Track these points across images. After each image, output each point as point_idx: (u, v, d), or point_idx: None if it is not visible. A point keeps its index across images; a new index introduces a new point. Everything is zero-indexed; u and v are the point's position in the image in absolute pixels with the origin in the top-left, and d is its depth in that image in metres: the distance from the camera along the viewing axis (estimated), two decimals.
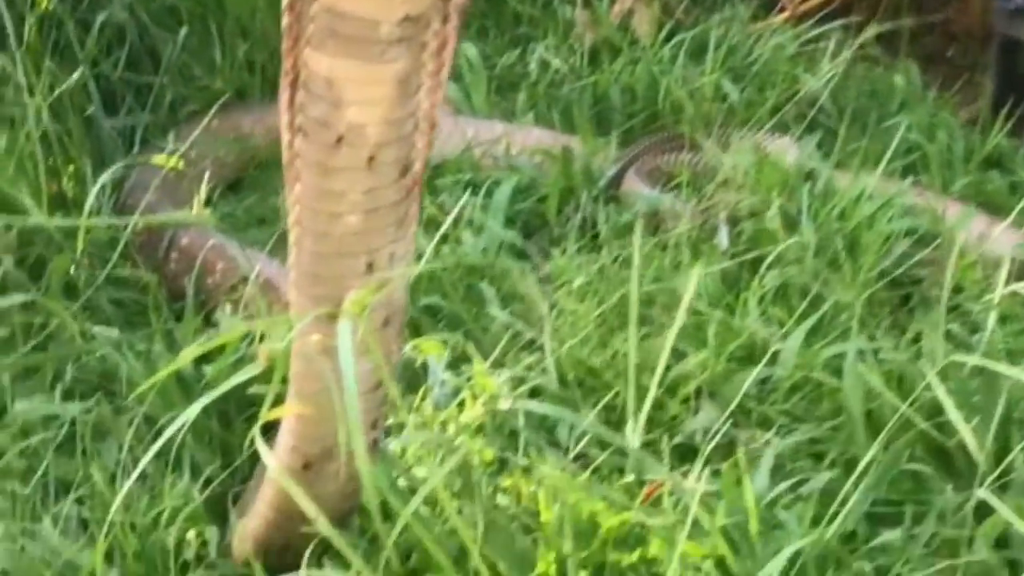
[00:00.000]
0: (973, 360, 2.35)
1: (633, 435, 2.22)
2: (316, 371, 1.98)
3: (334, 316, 1.92)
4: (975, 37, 4.38)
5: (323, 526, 1.79)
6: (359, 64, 1.87)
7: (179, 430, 2.01)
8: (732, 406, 2.45)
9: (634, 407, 2.32)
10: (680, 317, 2.34)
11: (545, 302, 2.55)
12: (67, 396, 2.50)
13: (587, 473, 2.13)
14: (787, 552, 2.05)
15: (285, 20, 1.90)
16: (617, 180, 3.19)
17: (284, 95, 1.94)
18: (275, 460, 2.10)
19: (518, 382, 2.33)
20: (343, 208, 1.94)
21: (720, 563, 2.12)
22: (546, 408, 2.22)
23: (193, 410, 1.91)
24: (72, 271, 2.64)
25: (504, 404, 2.17)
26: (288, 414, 2.08)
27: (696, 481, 2.14)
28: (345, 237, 1.95)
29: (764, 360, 2.55)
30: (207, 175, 2.85)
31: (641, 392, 2.46)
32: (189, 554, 2.25)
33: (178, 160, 2.73)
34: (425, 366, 2.42)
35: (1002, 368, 2.33)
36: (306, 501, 1.92)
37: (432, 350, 2.20)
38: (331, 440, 2.06)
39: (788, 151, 3.24)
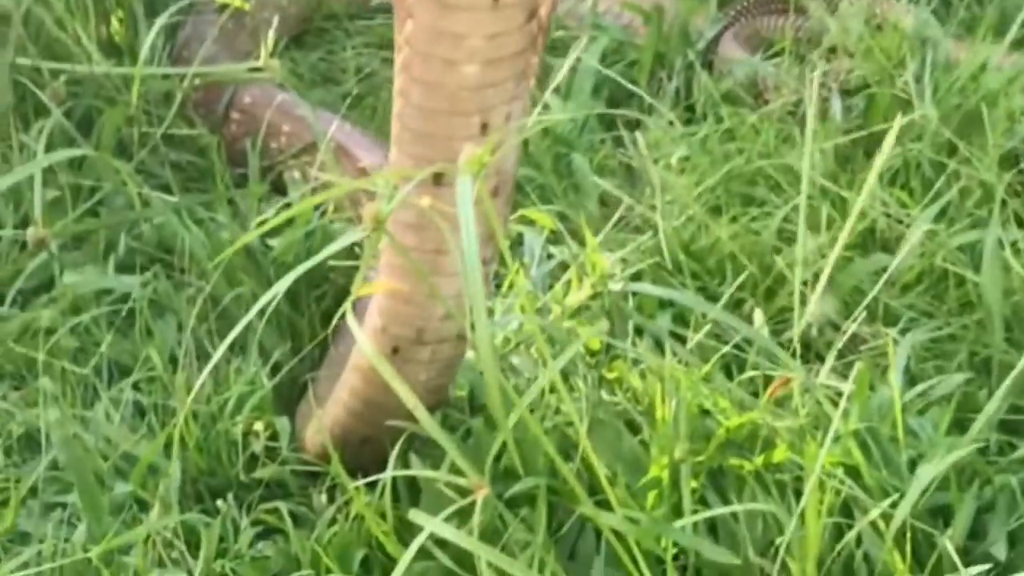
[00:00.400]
0: None
1: (760, 325, 1.99)
2: (410, 241, 1.75)
3: (441, 178, 1.69)
4: None
5: (423, 418, 1.57)
6: None
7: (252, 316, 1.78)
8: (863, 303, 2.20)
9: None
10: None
11: (654, 175, 2.30)
12: (121, 268, 2.27)
13: (708, 366, 1.89)
14: (940, 463, 1.82)
15: None
16: (714, 44, 2.93)
17: None
18: (361, 343, 1.89)
19: (627, 263, 2.09)
20: (461, 55, 1.70)
21: (853, 472, 1.90)
22: (670, 293, 1.99)
23: (279, 287, 1.67)
24: (125, 127, 2.38)
25: (616, 286, 1.93)
26: (381, 291, 1.85)
27: (823, 376, 1.92)
28: (460, 91, 1.71)
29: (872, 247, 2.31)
30: (272, 25, 2.59)
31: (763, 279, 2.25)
32: (257, 447, 2.04)
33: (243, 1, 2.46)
34: (514, 244, 2.19)
35: None
36: (401, 386, 1.70)
37: (540, 221, 1.96)
38: (424, 322, 1.86)
39: (904, 16, 2.96)
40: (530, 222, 2.18)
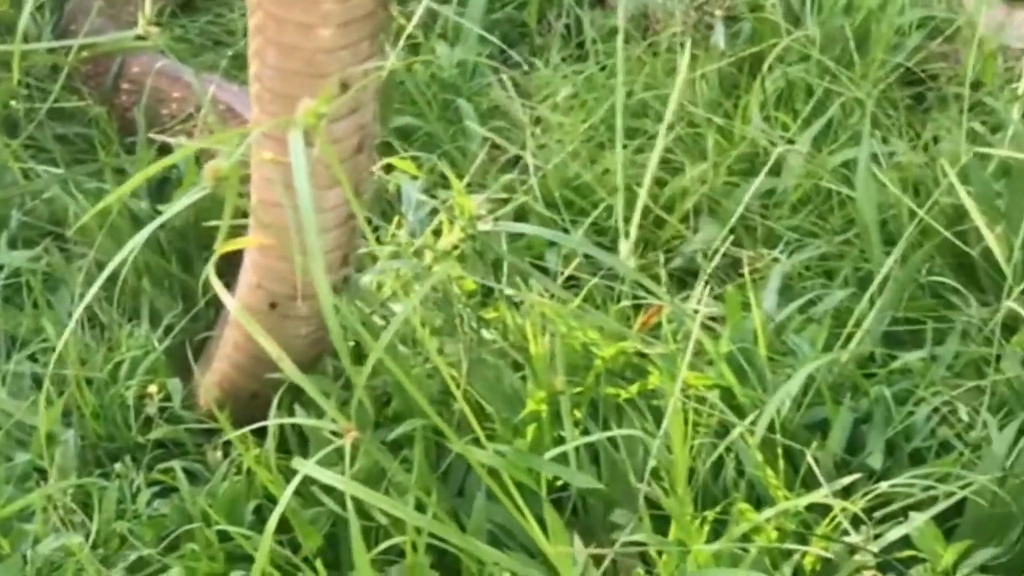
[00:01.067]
0: (1000, 152, 2.13)
1: (626, 255, 2.03)
2: (275, 197, 1.78)
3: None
4: None
5: (288, 368, 1.60)
6: None
7: (124, 267, 1.80)
8: (732, 221, 2.25)
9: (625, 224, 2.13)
10: (664, 125, 2.14)
11: (525, 114, 2.33)
12: (12, 244, 2.30)
13: (578, 299, 1.93)
14: (799, 378, 1.86)
15: None
16: None
17: None
18: (237, 300, 1.92)
19: (500, 203, 2.12)
20: (315, 18, 1.72)
21: (727, 393, 1.94)
22: (531, 228, 2.02)
23: (137, 240, 1.70)
24: (10, 104, 2.41)
25: (484, 226, 1.96)
26: (248, 246, 1.88)
27: (693, 302, 1.96)
28: (316, 54, 1.74)
29: (767, 169, 2.34)
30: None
31: (632, 208, 2.28)
32: (152, 409, 2.08)
33: None
34: (400, 193, 2.22)
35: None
36: (270, 342, 1.74)
37: (405, 170, 2.00)
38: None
39: None
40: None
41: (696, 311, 1.95)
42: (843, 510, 1.78)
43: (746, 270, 2.15)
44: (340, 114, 1.80)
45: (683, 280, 2.32)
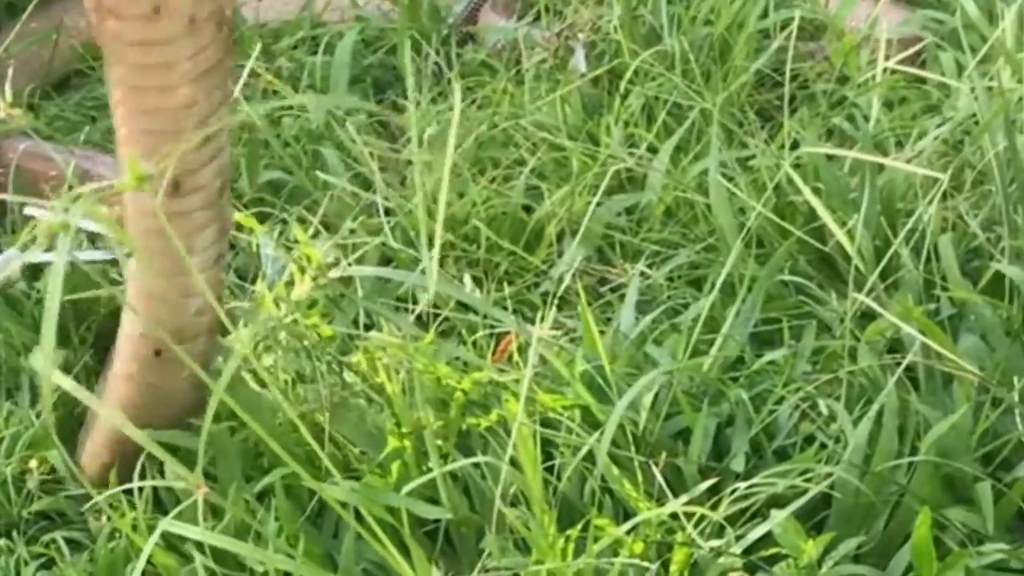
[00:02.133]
0: (824, 150, 2.18)
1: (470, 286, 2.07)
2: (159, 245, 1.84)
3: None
4: None
5: (133, 432, 1.63)
6: None
7: None
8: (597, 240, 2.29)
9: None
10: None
11: (375, 160, 2.37)
12: None
13: (429, 334, 1.97)
14: (639, 385, 1.90)
15: None
16: (471, 17, 2.99)
17: None
18: (122, 354, 1.99)
19: (353, 248, 2.16)
20: (174, 80, 1.81)
21: (588, 411, 1.97)
22: (375, 271, 2.06)
23: None
24: None
25: (334, 273, 2.00)
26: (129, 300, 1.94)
27: (546, 327, 1.99)
28: (179, 111, 1.83)
29: (629, 188, 2.39)
30: (26, 79, 2.66)
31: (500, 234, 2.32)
32: (32, 483, 2.11)
33: None
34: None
35: (868, 157, 2.17)
36: (148, 395, 1.81)
37: (248, 224, 2.04)
38: (181, 318, 1.95)
39: None
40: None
41: (553, 334, 1.99)
42: (702, 516, 1.81)
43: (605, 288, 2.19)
44: (203, 162, 1.88)
45: (561, 304, 2.35)
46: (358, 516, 1.72)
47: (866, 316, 2.10)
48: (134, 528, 1.92)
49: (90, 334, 2.30)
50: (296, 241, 2.18)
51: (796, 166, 2.31)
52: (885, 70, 2.57)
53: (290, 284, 2.03)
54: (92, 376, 2.27)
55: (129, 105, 1.85)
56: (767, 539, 1.84)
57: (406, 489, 1.83)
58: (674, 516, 1.82)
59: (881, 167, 2.28)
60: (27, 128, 2.47)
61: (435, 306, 2.19)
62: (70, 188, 2.50)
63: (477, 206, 2.42)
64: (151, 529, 1.91)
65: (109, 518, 2.04)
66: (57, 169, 2.57)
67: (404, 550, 1.73)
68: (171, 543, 1.95)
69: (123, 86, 1.85)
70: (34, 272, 2.39)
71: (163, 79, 1.82)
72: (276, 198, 2.49)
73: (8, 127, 2.44)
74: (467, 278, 2.14)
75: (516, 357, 1.99)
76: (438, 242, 1.97)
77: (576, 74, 2.68)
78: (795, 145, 2.48)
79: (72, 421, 2.21)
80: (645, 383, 1.90)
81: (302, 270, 2.02)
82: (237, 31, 1.88)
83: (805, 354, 2.09)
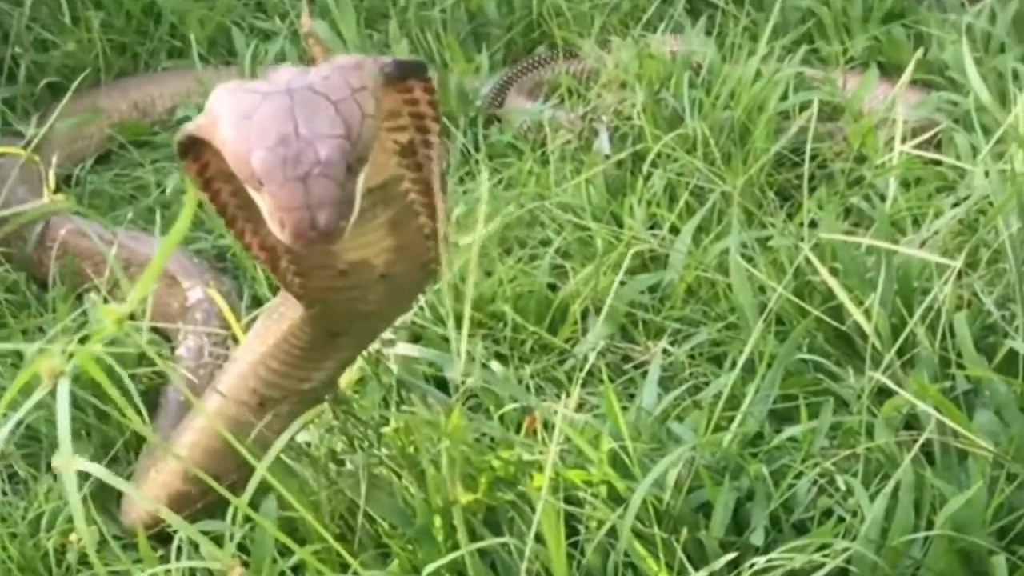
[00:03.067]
0: (837, 237, 2.24)
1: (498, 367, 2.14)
2: None
3: None
4: None
5: (167, 514, 1.70)
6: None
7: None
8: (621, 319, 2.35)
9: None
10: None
11: None
12: None
13: (455, 412, 2.03)
14: (664, 463, 1.95)
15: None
16: (498, 99, 3.08)
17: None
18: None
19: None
20: None
21: (612, 488, 2.03)
22: (408, 348, 2.13)
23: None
24: None
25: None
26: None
27: (571, 405, 2.05)
28: None
29: (652, 267, 2.46)
30: (67, 158, 2.75)
31: (526, 316, 2.39)
32: (72, 556, 2.17)
33: (30, 154, 2.62)
34: None
35: (884, 244, 2.23)
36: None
37: None
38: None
39: (674, 44, 3.12)
40: None
41: (576, 411, 2.05)
42: None
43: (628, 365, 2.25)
44: None
45: (585, 380, 2.41)
46: None
47: (883, 393, 2.15)
48: None
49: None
50: None
51: (814, 245, 2.37)
52: (902, 152, 2.64)
53: None
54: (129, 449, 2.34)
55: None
56: None
57: (434, 565, 1.88)
58: None
59: None
60: (73, 209, 2.57)
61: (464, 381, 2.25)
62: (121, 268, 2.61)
63: (503, 285, 2.49)
64: None
65: None
66: (101, 246, 2.65)
67: None
68: None
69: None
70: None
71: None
72: None
73: (54, 208, 2.54)
74: (494, 363, 2.20)
75: (542, 433, 2.05)
76: (466, 322, 2.05)
77: (600, 156, 2.76)
78: (813, 224, 2.55)
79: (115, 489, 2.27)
80: (668, 461, 1.95)
81: None
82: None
83: (823, 430, 2.14)
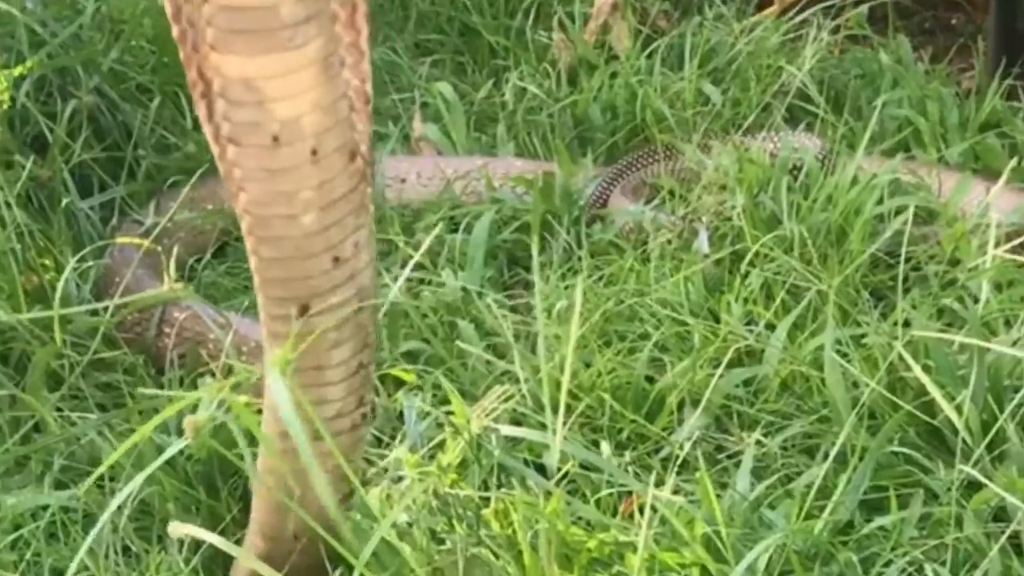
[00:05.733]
0: (931, 335, 2.31)
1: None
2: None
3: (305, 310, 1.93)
4: (978, 5, 4.29)
5: None
6: (273, 56, 1.82)
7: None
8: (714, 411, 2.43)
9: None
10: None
11: (511, 331, 2.54)
12: (58, 485, 2.52)
13: (555, 494, 2.10)
14: (758, 549, 2.01)
15: (175, 30, 1.85)
16: (601, 199, 3.18)
17: (200, 107, 1.90)
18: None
19: (492, 412, 2.31)
20: (296, 209, 1.89)
21: (705, 571, 2.09)
22: (518, 431, 2.20)
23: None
24: (56, 360, 2.66)
25: (475, 429, 2.15)
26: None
27: (667, 490, 2.11)
28: (305, 238, 1.91)
29: (748, 361, 2.53)
30: (185, 248, 2.88)
31: (624, 404, 2.47)
32: None
33: (149, 242, 2.75)
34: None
35: (975, 341, 2.29)
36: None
37: (404, 377, 2.20)
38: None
39: (774, 147, 3.21)
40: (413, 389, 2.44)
41: (672, 497, 2.11)
42: None
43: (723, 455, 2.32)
44: (336, 283, 1.95)
45: (680, 468, 2.48)
46: None
47: (972, 486, 2.21)
48: None
49: (237, 488, 2.46)
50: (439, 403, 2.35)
51: (907, 342, 2.43)
52: (995, 256, 2.70)
53: (436, 445, 2.19)
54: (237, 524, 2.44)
55: (257, 233, 1.93)
56: None
57: None
58: None
59: None
60: (193, 296, 2.69)
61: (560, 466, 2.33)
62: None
63: (602, 376, 2.57)
64: None
65: None
66: (217, 332, 2.76)
67: None
68: None
69: (250, 216, 1.93)
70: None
71: (286, 207, 1.88)
72: (412, 364, 2.66)
73: (173, 296, 2.66)
74: (604, 445, 2.28)
75: (637, 517, 2.11)
76: (562, 406, 2.13)
77: (700, 255, 2.84)
78: (907, 323, 2.60)
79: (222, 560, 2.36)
80: (762, 547, 2.01)
81: (456, 432, 2.17)
82: (373, 166, 1.97)
83: (913, 520, 2.19)
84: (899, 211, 2.99)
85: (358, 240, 1.95)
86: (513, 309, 2.87)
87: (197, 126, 3.33)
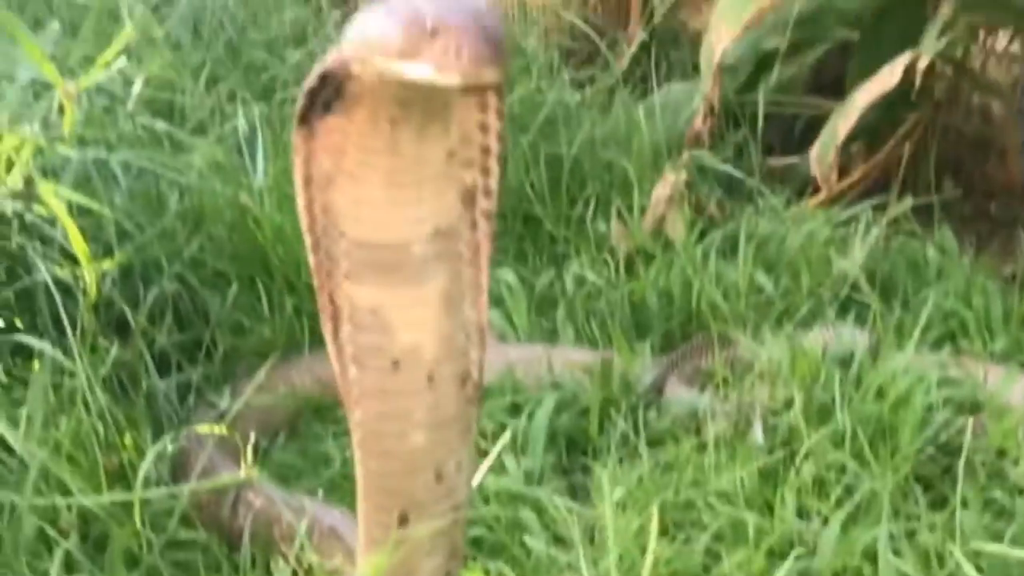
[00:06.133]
0: (988, 547, 2.40)
1: None
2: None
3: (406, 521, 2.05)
4: (1016, 193, 4.43)
5: None
6: (401, 289, 1.98)
7: None
8: None
9: None
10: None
11: (576, 527, 2.64)
12: None
13: None
14: None
15: (312, 260, 2.00)
16: (657, 386, 3.28)
17: (327, 329, 2.04)
18: None
19: None
20: (408, 427, 2.04)
21: None
22: None
23: None
24: (133, 539, 2.76)
25: None
26: None
27: None
28: (412, 454, 2.05)
29: (798, 553, 2.62)
30: (259, 430, 2.99)
31: None
32: None
33: (224, 427, 2.87)
34: None
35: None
36: None
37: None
38: None
39: (825, 339, 3.32)
40: None
41: None
42: None
43: None
44: (435, 498, 2.08)
45: None
46: None
47: None
48: None
49: None
50: None
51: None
52: None
53: None
54: None
55: (367, 447, 2.07)
56: None
57: None
58: None
59: None
60: (265, 480, 2.81)
61: None
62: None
63: (659, 566, 2.66)
64: None
65: None
66: (289, 516, 2.86)
67: None
68: None
69: (361, 429, 2.07)
70: None
71: (398, 425, 2.03)
72: (476, 552, 2.75)
73: (247, 479, 2.78)
74: None
75: None
76: None
77: (754, 445, 2.94)
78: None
79: None
80: None
81: None
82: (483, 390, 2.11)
83: None
84: (947, 401, 3.10)
85: (461, 460, 2.09)
86: (572, 492, 2.97)
87: (272, 311, 3.48)
